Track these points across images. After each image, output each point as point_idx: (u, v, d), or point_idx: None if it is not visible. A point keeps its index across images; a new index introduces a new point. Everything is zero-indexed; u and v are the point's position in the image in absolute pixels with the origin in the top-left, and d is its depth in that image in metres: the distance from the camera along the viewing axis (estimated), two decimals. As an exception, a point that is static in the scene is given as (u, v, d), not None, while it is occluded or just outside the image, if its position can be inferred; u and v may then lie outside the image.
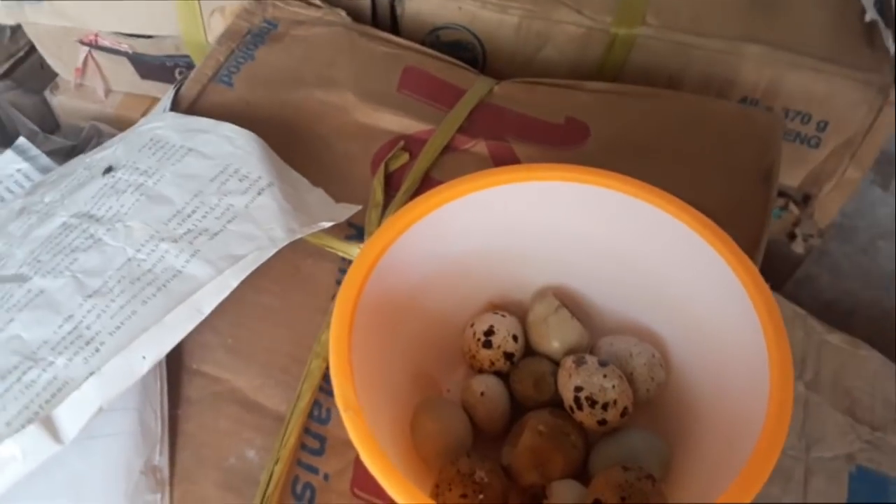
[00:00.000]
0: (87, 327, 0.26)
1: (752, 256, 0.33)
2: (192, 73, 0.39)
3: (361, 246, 0.30)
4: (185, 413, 0.28)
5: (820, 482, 0.44)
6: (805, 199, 0.49)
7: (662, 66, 0.44)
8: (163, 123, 0.34)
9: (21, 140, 0.50)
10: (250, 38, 0.40)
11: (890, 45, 0.42)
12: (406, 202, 0.32)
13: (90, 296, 0.27)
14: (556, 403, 0.26)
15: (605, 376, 0.25)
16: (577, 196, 0.27)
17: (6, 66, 0.60)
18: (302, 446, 0.27)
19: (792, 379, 0.22)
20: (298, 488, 0.26)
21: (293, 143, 0.36)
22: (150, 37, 0.52)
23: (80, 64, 0.56)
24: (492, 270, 0.29)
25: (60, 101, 0.59)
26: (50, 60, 0.58)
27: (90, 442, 0.25)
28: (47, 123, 0.60)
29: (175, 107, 0.37)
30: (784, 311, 0.49)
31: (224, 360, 0.29)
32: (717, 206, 0.33)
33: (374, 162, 0.36)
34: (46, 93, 0.59)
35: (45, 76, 0.60)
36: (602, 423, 0.25)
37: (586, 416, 0.25)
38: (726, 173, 0.35)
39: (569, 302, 0.29)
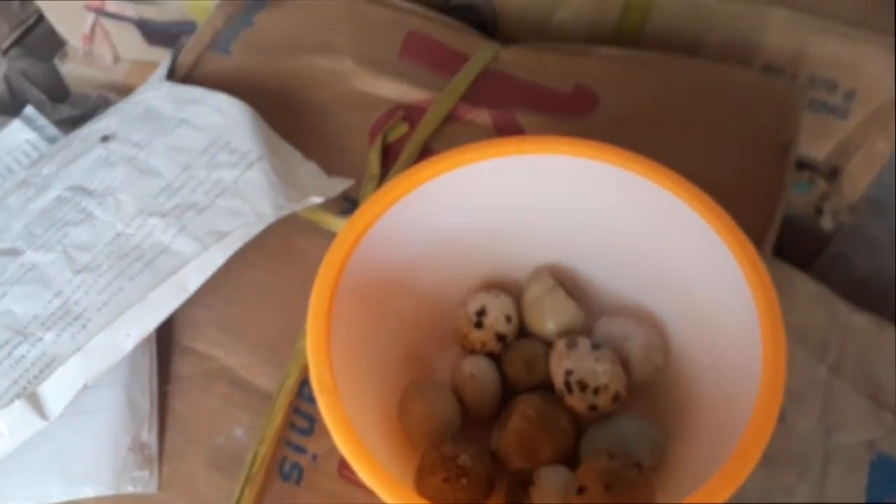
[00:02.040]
0: (76, 303, 0.25)
1: (764, 232, 0.32)
2: (190, 41, 0.38)
3: (343, 217, 0.30)
4: (174, 390, 0.27)
5: (838, 469, 0.42)
6: (833, 173, 0.47)
7: (682, 30, 0.42)
8: (157, 93, 0.33)
9: (29, 109, 0.49)
10: (250, 3, 0.39)
11: None
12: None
13: (79, 271, 0.26)
14: (548, 387, 0.26)
15: (596, 360, 0.24)
16: (575, 170, 0.26)
17: (17, 33, 0.59)
18: (291, 426, 0.27)
19: (783, 364, 0.21)
20: (286, 468, 0.26)
21: (290, 113, 0.35)
22: (155, 1, 0.52)
23: (87, 31, 0.56)
24: (487, 247, 0.28)
25: (69, 69, 0.59)
26: (58, 27, 0.57)
27: (78, 418, 0.25)
28: (57, 92, 0.60)
29: (171, 75, 0.36)
30: (807, 290, 0.47)
31: (215, 337, 0.28)
32: (729, 181, 0.32)
33: (372, 132, 0.35)
34: (55, 60, 0.59)
35: (55, 44, 0.59)
36: (593, 408, 0.24)
37: (576, 401, 0.24)
38: (741, 146, 0.33)
39: (567, 281, 0.28)
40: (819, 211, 0.50)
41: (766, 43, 0.41)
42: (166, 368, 0.28)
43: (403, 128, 0.34)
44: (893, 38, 0.39)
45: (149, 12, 0.52)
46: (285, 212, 0.27)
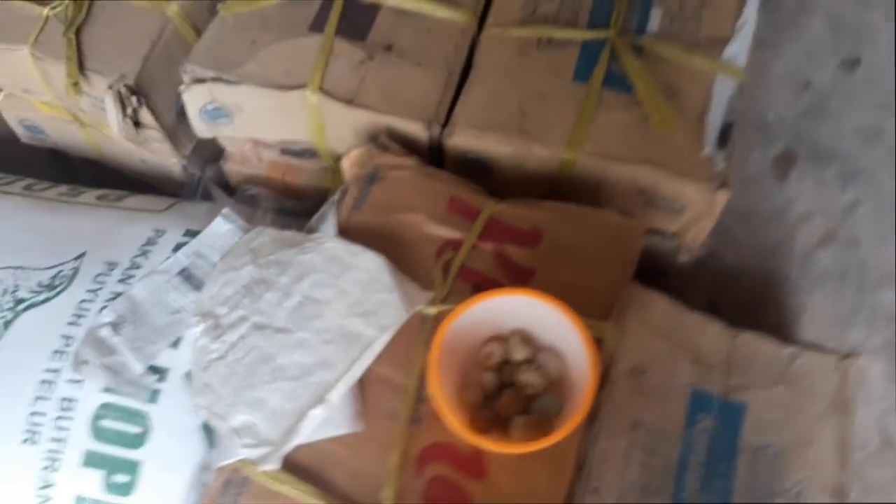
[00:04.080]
0: (329, 359, 0.64)
1: (619, 298, 0.70)
2: (343, 205, 0.74)
3: (433, 307, 0.67)
4: (363, 390, 0.66)
5: (673, 402, 0.82)
6: (681, 236, 0.84)
7: (594, 176, 0.78)
8: (336, 246, 0.70)
9: (226, 210, 0.85)
10: (367, 179, 0.75)
11: (720, 166, 0.75)
12: (452, 285, 0.69)
13: (327, 343, 0.65)
14: (516, 384, 0.65)
15: (535, 375, 0.63)
16: (522, 298, 0.64)
17: (193, 144, 0.94)
18: (415, 400, 0.65)
19: (597, 377, 0.59)
20: (414, 417, 0.65)
21: (395, 246, 0.72)
22: (292, 141, 0.87)
23: (244, 149, 0.91)
24: (492, 324, 0.66)
25: (230, 167, 0.95)
26: (224, 144, 0.93)
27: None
28: (220, 181, 0.96)
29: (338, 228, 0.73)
30: (662, 303, 0.85)
31: (387, 365, 0.66)
32: (605, 278, 0.70)
33: (436, 255, 0.72)
34: (221, 162, 0.94)
35: (216, 149, 0.95)
36: (532, 395, 0.63)
37: (526, 391, 0.63)
38: (609, 261, 0.71)
39: (525, 337, 0.66)
40: (677, 251, 0.87)
41: (638, 182, 0.77)
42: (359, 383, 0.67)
43: (451, 254, 0.71)
44: (704, 183, 0.75)
45: (285, 143, 0.88)
46: (410, 315, 0.65)
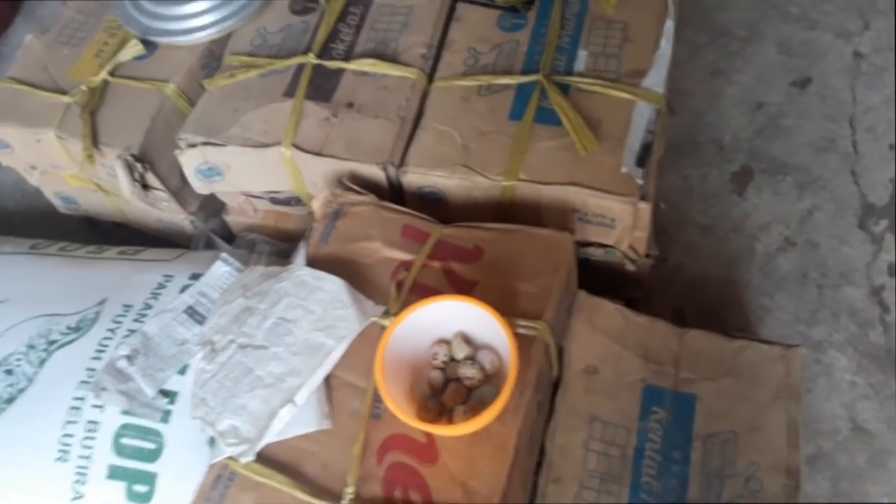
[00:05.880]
0: (296, 367, 0.75)
1: (548, 302, 0.79)
2: (312, 238, 0.86)
3: (387, 319, 0.78)
4: (331, 392, 0.77)
5: (617, 398, 0.90)
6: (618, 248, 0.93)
7: (532, 199, 0.88)
8: (304, 272, 0.82)
9: (224, 255, 0.98)
10: (332, 216, 0.88)
11: (640, 182, 0.85)
12: (406, 299, 0.79)
13: (294, 354, 0.76)
14: (459, 378, 0.74)
15: (473, 369, 0.73)
16: (462, 304, 0.74)
17: (199, 201, 1.09)
18: (374, 401, 0.76)
19: (517, 366, 0.69)
20: (373, 414, 0.75)
21: (356, 269, 0.83)
22: (277, 191, 1.01)
23: (240, 202, 1.05)
24: (437, 327, 0.76)
25: (230, 219, 1.09)
26: (222, 199, 1.07)
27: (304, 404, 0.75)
28: (225, 232, 1.10)
29: (308, 258, 0.85)
30: (608, 308, 0.94)
31: (351, 371, 0.77)
32: (536, 287, 0.79)
33: (392, 275, 0.83)
34: (223, 215, 1.08)
35: (218, 204, 1.09)
36: (472, 386, 0.73)
37: (467, 383, 0.73)
38: (542, 268, 0.81)
39: (466, 337, 0.76)
40: (624, 262, 0.95)
41: (570, 201, 0.87)
42: (327, 382, 0.77)
43: (404, 274, 0.82)
44: (628, 198, 0.85)
45: (273, 194, 1.02)
46: (364, 326, 0.76)
